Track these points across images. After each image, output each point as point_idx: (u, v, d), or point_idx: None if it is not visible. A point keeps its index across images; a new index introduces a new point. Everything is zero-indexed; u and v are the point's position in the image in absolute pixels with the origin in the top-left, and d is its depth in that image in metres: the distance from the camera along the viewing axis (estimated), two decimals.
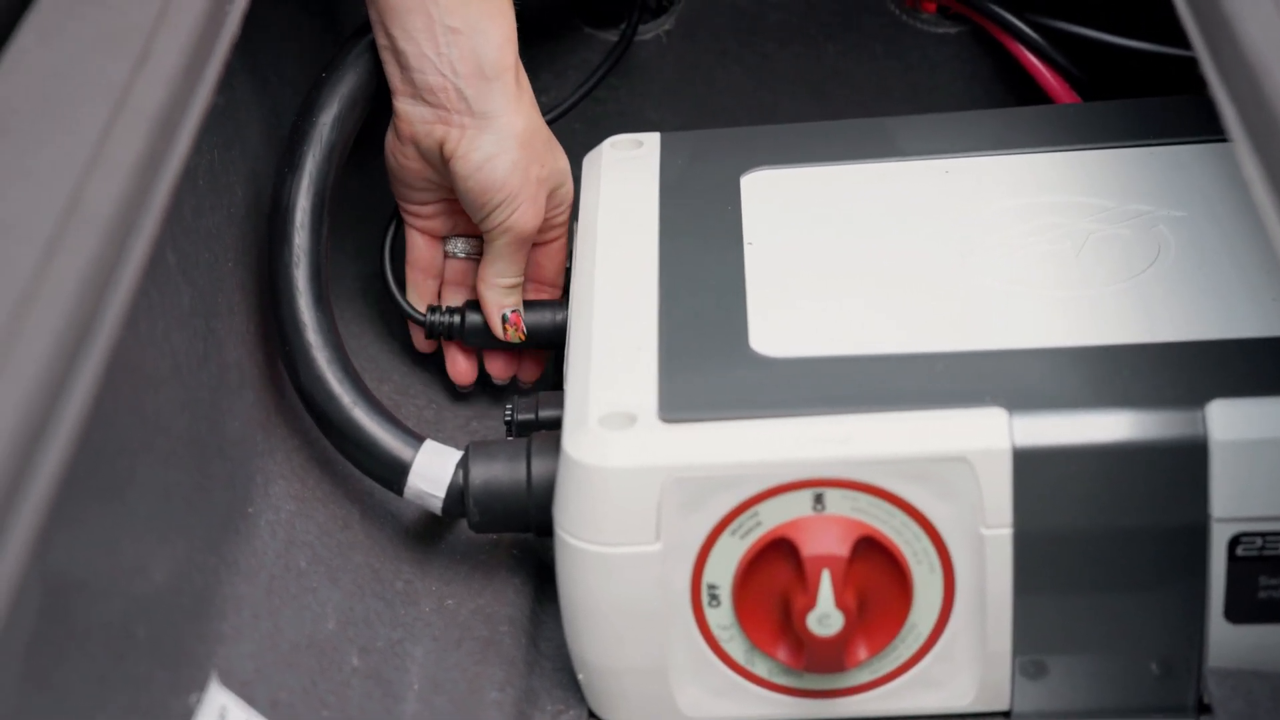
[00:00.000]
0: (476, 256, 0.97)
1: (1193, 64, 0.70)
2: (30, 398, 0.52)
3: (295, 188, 0.91)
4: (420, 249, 0.98)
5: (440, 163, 0.91)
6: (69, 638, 0.62)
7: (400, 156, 0.93)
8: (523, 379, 1.01)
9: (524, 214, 0.91)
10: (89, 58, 0.67)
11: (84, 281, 0.56)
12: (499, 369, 1.00)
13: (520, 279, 0.95)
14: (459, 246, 0.98)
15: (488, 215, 0.91)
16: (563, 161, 0.94)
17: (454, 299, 0.99)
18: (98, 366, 0.56)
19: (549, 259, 0.98)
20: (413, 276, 0.98)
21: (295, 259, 0.90)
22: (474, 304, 0.98)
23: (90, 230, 0.58)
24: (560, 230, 0.97)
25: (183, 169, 0.66)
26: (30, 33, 0.69)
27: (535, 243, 0.95)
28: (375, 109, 0.95)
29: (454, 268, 0.99)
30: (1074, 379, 0.78)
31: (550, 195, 0.93)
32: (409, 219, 0.97)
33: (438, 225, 0.97)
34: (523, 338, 0.95)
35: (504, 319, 0.94)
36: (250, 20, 0.77)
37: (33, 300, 0.55)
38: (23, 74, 0.66)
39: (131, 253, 0.60)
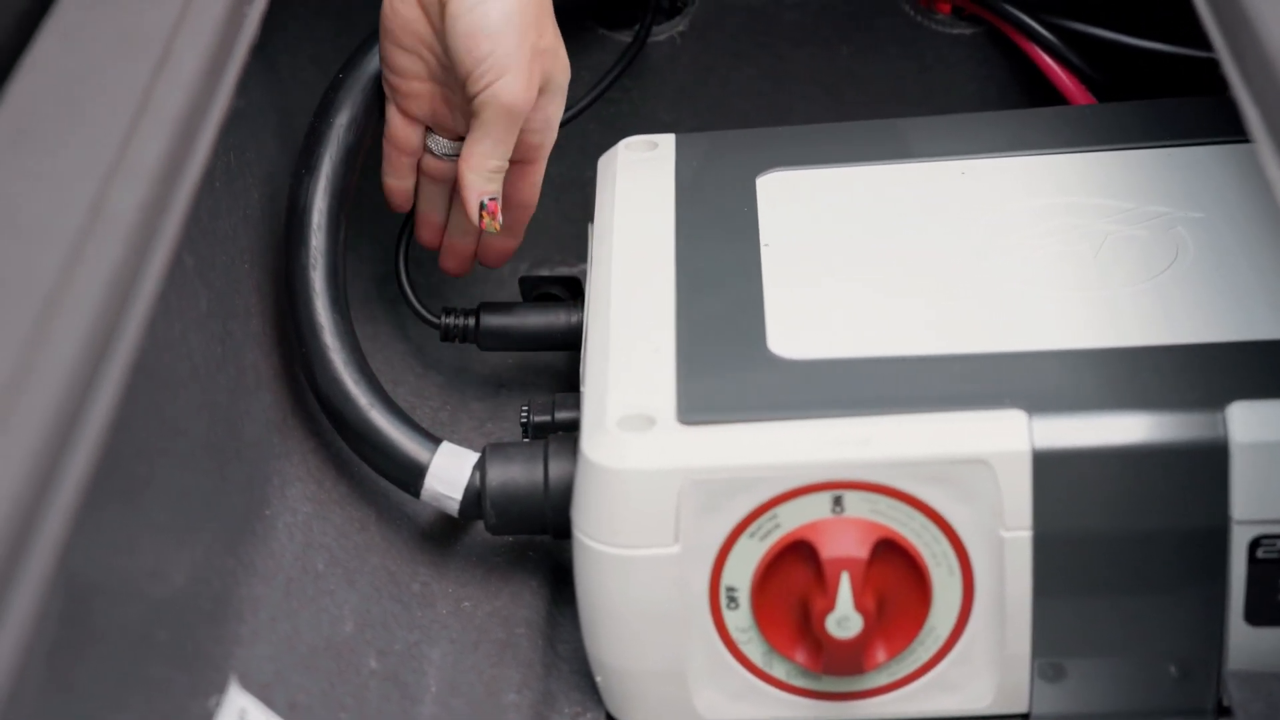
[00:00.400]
0: (456, 156, 0.92)
1: (1208, 65, 0.71)
2: (57, 403, 0.52)
3: (312, 189, 0.91)
4: (398, 126, 0.93)
5: (436, 8, 0.87)
6: (89, 640, 0.62)
7: (396, 1, 0.89)
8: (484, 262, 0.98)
9: (513, 82, 0.86)
10: (109, 61, 0.67)
11: (107, 285, 0.56)
12: (455, 263, 0.97)
13: (504, 164, 0.89)
14: (439, 144, 0.93)
15: (473, 71, 0.86)
16: (563, 58, 0.89)
17: (430, 189, 0.95)
18: (120, 370, 0.56)
19: (525, 179, 0.93)
20: (388, 151, 0.94)
21: (312, 261, 0.90)
22: (488, 306, 0.98)
23: (112, 234, 0.58)
24: (540, 153, 0.92)
25: (202, 172, 0.66)
26: (50, 36, 0.69)
27: (514, 160, 0.91)
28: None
29: (432, 164, 0.94)
30: (1093, 381, 0.78)
31: (540, 95, 0.88)
32: (390, 94, 0.92)
33: (417, 106, 0.92)
34: (498, 229, 0.91)
35: (482, 205, 0.89)
36: (266, 22, 0.77)
37: (57, 305, 0.55)
38: (43, 77, 0.66)
39: (152, 256, 0.60)
